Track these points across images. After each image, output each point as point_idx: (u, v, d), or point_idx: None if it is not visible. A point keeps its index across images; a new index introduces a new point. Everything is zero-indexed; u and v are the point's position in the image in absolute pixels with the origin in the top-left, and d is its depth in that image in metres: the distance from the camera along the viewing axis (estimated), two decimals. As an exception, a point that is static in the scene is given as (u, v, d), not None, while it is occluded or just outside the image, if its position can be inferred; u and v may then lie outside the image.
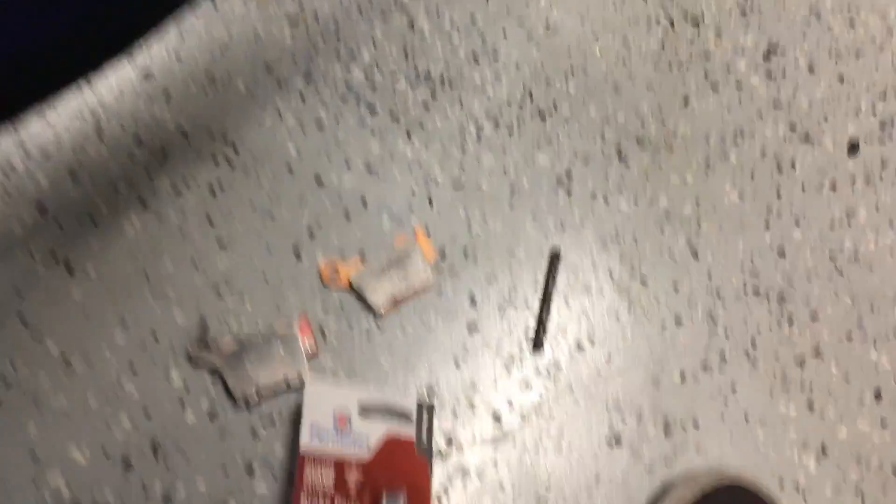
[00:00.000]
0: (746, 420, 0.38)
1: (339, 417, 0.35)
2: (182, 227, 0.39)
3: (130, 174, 0.39)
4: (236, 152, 0.40)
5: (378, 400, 0.36)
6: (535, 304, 0.39)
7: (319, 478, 0.34)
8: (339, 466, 0.34)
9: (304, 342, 0.36)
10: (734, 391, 0.39)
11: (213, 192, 0.39)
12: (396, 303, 0.38)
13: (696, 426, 0.38)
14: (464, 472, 0.36)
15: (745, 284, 0.40)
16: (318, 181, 0.40)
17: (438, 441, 0.36)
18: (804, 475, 0.38)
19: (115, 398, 0.36)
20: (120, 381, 0.36)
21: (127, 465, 0.35)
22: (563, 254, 0.40)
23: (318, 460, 0.34)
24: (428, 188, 0.41)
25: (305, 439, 0.34)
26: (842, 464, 0.38)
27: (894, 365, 0.40)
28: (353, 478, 0.34)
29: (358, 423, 0.35)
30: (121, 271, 0.37)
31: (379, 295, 0.37)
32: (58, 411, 0.35)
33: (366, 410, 0.36)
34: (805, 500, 0.37)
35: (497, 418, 0.37)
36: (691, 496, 0.34)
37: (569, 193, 0.41)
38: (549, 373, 0.38)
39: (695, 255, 0.41)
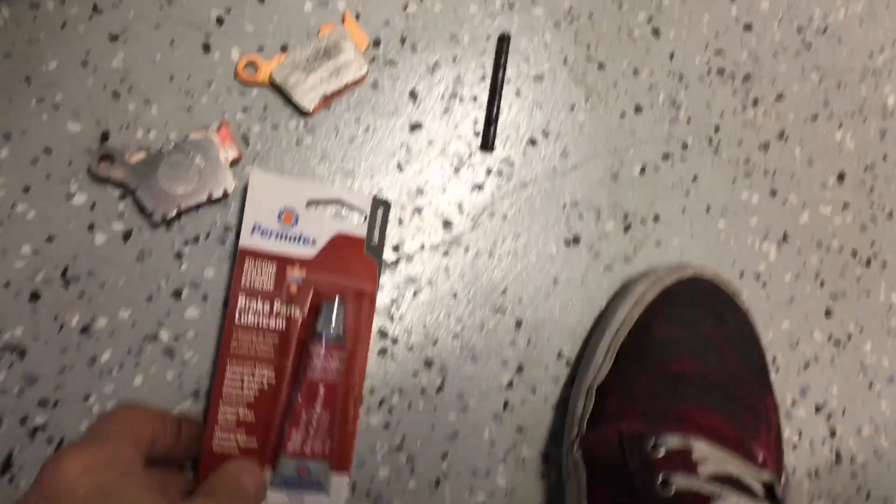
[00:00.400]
0: (708, 210, 0.52)
1: (285, 214, 0.46)
2: (62, 16, 0.46)
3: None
4: (114, -74, 0.47)
5: (327, 196, 0.47)
6: (484, 97, 0.50)
7: (259, 276, 0.45)
8: (281, 264, 0.45)
9: (225, 149, 0.45)
10: (696, 181, 0.52)
11: (93, -24, 0.46)
12: (326, 99, 0.47)
13: (655, 220, 0.51)
14: (413, 282, 0.48)
15: (708, 64, 0.53)
16: (219, -40, 0.48)
17: (386, 250, 0.48)
18: (765, 264, 0.52)
19: (10, 224, 0.45)
20: (13, 205, 0.45)
21: (35, 297, 0.45)
22: (512, 37, 0.50)
23: (259, 256, 0.45)
24: (350, -32, 0.49)
25: (246, 233, 0.45)
26: (802, 249, 0.53)
27: (858, 145, 0.54)
28: (295, 277, 0.45)
29: (305, 220, 0.46)
30: (-8, 75, 0.45)
31: (306, 91, 0.47)
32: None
33: (314, 207, 0.46)
34: (765, 288, 0.52)
35: (447, 223, 0.49)
36: (652, 293, 0.47)
37: (514, -28, 0.51)
38: (500, 172, 0.50)
39: (656, 33, 0.52)
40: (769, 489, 0.40)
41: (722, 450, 0.40)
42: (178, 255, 0.45)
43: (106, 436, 0.35)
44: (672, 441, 0.40)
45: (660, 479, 0.39)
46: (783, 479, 0.40)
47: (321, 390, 0.43)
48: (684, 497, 0.38)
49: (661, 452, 0.40)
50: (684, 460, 0.40)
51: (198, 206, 0.45)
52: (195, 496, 0.36)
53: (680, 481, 0.38)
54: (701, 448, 0.39)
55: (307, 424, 0.42)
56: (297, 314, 0.44)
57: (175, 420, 0.40)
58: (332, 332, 0.43)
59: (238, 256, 0.44)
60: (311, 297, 0.45)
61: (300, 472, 0.43)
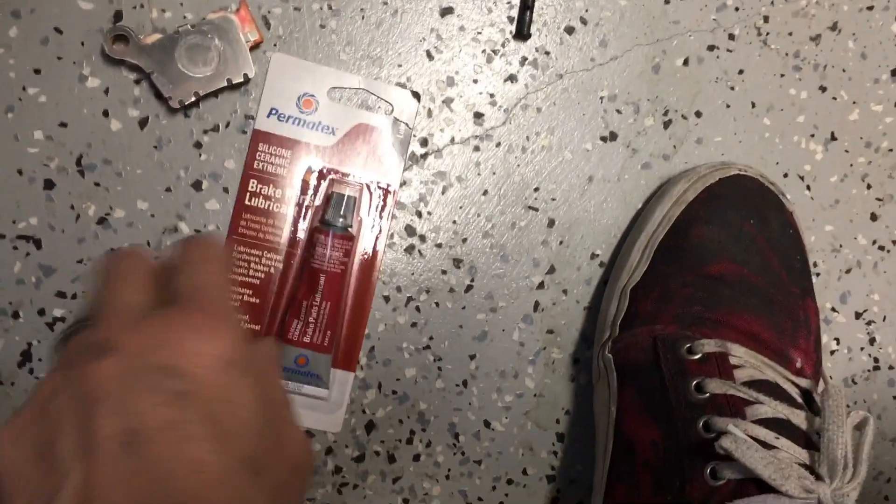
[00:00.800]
0: (753, 107, 0.49)
1: (305, 99, 0.43)
2: None
3: None
4: None
5: (351, 84, 0.44)
6: (518, -21, 0.47)
7: (273, 160, 0.43)
8: (297, 150, 0.43)
9: (245, 31, 0.43)
10: (741, 75, 0.49)
11: None
12: (352, -20, 0.44)
13: (697, 116, 0.49)
14: (442, 178, 0.46)
15: (760, -51, 0.49)
16: None
17: (413, 144, 0.46)
18: (810, 164, 0.50)
19: (22, 108, 0.43)
20: (24, 88, 0.43)
21: (49, 185, 0.43)
22: (549, -83, 0.47)
23: (274, 140, 0.43)
24: None
25: (262, 116, 0.43)
26: (851, 149, 0.50)
27: (916, 39, 0.51)
28: (310, 165, 0.44)
29: (325, 107, 0.44)
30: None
31: (330, -30, 0.44)
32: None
33: (336, 94, 0.44)
34: (809, 190, 0.50)
35: (478, 116, 0.47)
36: (692, 192, 0.45)
37: None
38: (535, 62, 0.47)
39: (704, -86, 0.49)
40: (807, 395, 0.38)
41: (759, 355, 0.39)
42: (198, 145, 0.43)
43: (221, 305, 0.30)
44: (708, 345, 0.38)
45: (694, 383, 0.38)
46: (821, 386, 0.38)
47: (322, 280, 0.41)
48: (719, 400, 0.37)
49: (696, 356, 0.39)
50: (720, 365, 0.38)
51: (217, 93, 0.43)
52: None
53: (715, 386, 0.37)
54: (738, 353, 0.38)
55: (307, 314, 0.42)
56: (310, 202, 0.43)
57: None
58: (339, 222, 0.42)
59: (252, 139, 0.42)
60: (325, 185, 0.43)
61: (298, 362, 0.42)
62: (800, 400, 0.38)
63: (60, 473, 0.24)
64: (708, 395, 0.37)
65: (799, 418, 0.37)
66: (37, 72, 0.42)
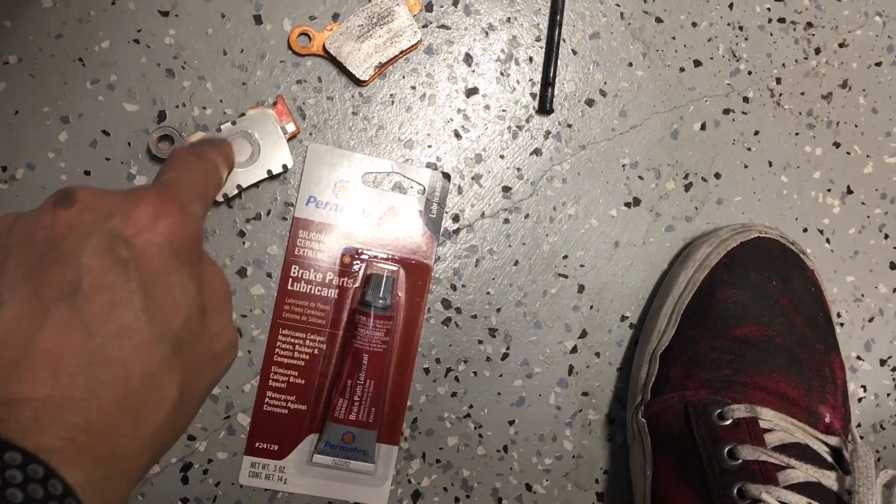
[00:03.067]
0: (770, 166, 0.52)
1: (341, 185, 0.47)
2: (108, -2, 0.47)
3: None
4: None
5: (384, 168, 0.48)
6: (540, 58, 0.50)
7: (312, 246, 0.47)
8: (335, 235, 0.47)
9: (283, 123, 0.47)
10: (757, 136, 0.52)
11: (140, -50, 0.47)
12: (381, 68, 0.48)
13: (717, 177, 0.52)
14: (474, 251, 0.50)
15: (769, 13, 0.53)
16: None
17: (445, 220, 0.49)
18: (829, 218, 0.53)
19: (73, 207, 0.46)
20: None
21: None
22: (565, -5, 0.51)
23: (312, 226, 0.47)
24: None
25: (301, 204, 0.47)
26: (867, 200, 0.53)
27: (925, 91, 0.54)
28: (348, 248, 0.47)
29: (360, 192, 0.47)
30: (47, 56, 0.46)
31: (360, 60, 0.48)
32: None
33: (370, 179, 0.48)
34: (829, 243, 0.53)
35: (506, 189, 0.50)
36: (715, 256, 0.48)
37: (565, -78, 0.51)
38: (558, 135, 0.50)
39: (714, -16, 0.52)
40: (836, 453, 0.42)
41: (788, 417, 0.42)
42: (241, 234, 0.47)
43: (185, 196, 0.32)
44: (738, 410, 0.42)
45: (726, 449, 0.41)
46: (850, 443, 0.41)
47: (365, 359, 0.45)
48: (751, 467, 0.40)
49: (727, 422, 0.42)
50: (750, 430, 0.41)
51: (258, 183, 0.47)
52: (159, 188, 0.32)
53: (746, 452, 0.40)
54: (767, 416, 0.41)
55: (352, 392, 0.45)
56: (350, 284, 0.46)
57: (228, 162, 0.39)
58: (379, 303, 0.45)
59: (292, 226, 0.46)
60: (363, 268, 0.47)
61: (345, 439, 0.45)
62: (830, 459, 0.41)
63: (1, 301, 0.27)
64: (740, 461, 0.40)
65: (830, 480, 0.40)
66: (87, 173, 0.46)
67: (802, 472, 0.39)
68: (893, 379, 0.53)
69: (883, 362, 0.53)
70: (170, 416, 0.28)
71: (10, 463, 0.23)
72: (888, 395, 0.53)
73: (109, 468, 0.26)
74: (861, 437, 0.52)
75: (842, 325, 0.52)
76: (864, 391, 0.52)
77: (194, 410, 0.31)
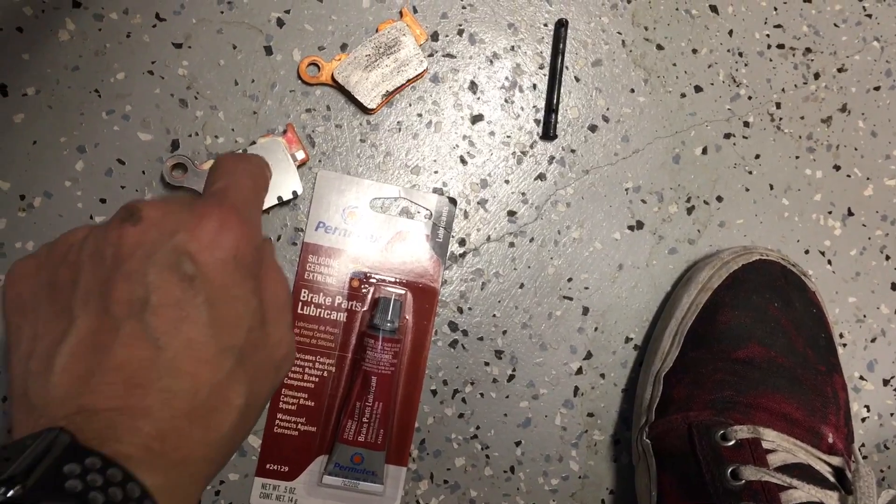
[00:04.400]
0: (771, 189, 0.54)
1: (349, 211, 0.49)
2: (126, 26, 0.48)
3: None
4: (171, -68, 0.49)
5: (391, 194, 0.50)
6: (543, 85, 0.52)
7: (322, 270, 0.48)
8: (344, 259, 0.48)
9: (292, 150, 0.48)
10: (758, 159, 0.54)
11: (154, -16, 0.49)
12: (388, 96, 0.50)
13: (719, 200, 0.53)
14: (481, 275, 0.51)
15: (768, 39, 0.54)
16: (275, -40, 0.50)
17: (452, 244, 0.51)
18: (830, 240, 0.54)
19: (89, 233, 0.48)
20: (91, 216, 0.48)
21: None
22: (569, 23, 0.52)
23: (322, 251, 0.48)
24: (404, -41, 0.51)
25: (311, 230, 0.48)
26: (868, 222, 0.55)
27: (924, 115, 0.56)
28: (357, 272, 0.49)
29: (368, 217, 0.49)
30: (64, 87, 0.48)
31: (368, 89, 0.49)
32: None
33: (378, 205, 0.50)
34: (830, 264, 0.54)
35: (511, 214, 0.51)
36: (717, 279, 0.49)
37: (567, -49, 0.53)
38: (562, 160, 0.52)
39: (714, 10, 0.54)
40: (839, 473, 0.43)
41: (791, 437, 0.43)
42: (252, 258, 0.48)
43: (243, 205, 0.33)
44: (741, 431, 0.43)
45: (730, 470, 0.42)
46: (853, 463, 0.42)
47: (374, 382, 0.46)
48: (754, 487, 0.41)
49: (730, 443, 0.43)
50: (753, 451, 0.42)
51: (269, 210, 0.48)
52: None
53: (750, 473, 0.41)
54: (770, 437, 0.42)
55: (361, 414, 0.46)
56: (358, 307, 0.48)
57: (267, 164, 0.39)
58: (387, 326, 0.47)
59: (302, 251, 0.47)
60: (371, 291, 0.48)
61: (353, 460, 0.46)
62: (832, 479, 0.42)
63: (69, 319, 0.28)
64: (744, 482, 0.41)
65: (832, 500, 0.41)
66: (102, 201, 0.47)
67: (805, 492, 0.40)
68: (896, 399, 0.54)
69: (886, 382, 0.54)
70: (237, 423, 0.30)
71: (91, 467, 0.24)
72: (891, 414, 0.54)
73: (182, 472, 0.27)
74: (865, 457, 0.53)
75: (844, 345, 0.53)
76: (868, 411, 0.53)
77: (257, 415, 0.33)
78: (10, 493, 0.23)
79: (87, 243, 0.30)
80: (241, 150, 0.46)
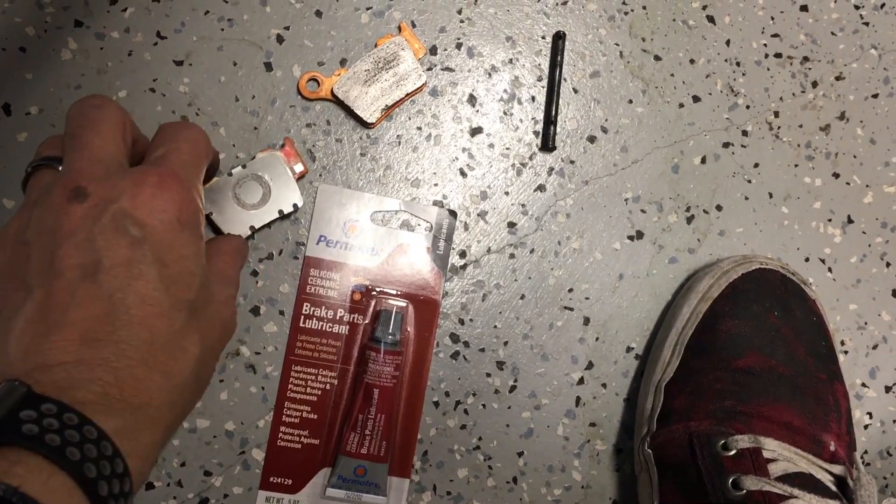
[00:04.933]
0: (770, 197, 0.54)
1: (350, 224, 0.49)
2: (128, 45, 0.49)
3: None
4: (171, -50, 0.50)
5: (391, 207, 0.50)
6: (542, 97, 0.53)
7: (323, 283, 0.49)
8: (345, 273, 0.49)
9: (290, 164, 0.49)
10: (757, 168, 0.54)
11: None
12: (387, 110, 0.50)
13: (718, 209, 0.54)
14: (481, 286, 0.52)
15: (766, 48, 0.55)
16: (274, -23, 0.51)
17: (452, 256, 0.51)
18: (830, 247, 0.55)
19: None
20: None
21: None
22: (567, 35, 0.53)
23: (323, 264, 0.49)
24: (402, -27, 0.52)
25: (312, 244, 0.49)
26: (868, 229, 0.55)
27: (922, 121, 0.56)
28: (358, 285, 0.49)
29: (369, 231, 0.49)
30: (67, 106, 0.48)
31: (367, 104, 0.50)
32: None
33: (378, 218, 0.50)
34: (831, 272, 0.55)
35: (511, 225, 0.52)
36: (717, 288, 0.50)
37: (565, -36, 0.54)
38: (562, 171, 0.53)
39: (711, 20, 0.54)
40: (841, 481, 0.43)
41: (792, 446, 0.43)
42: (255, 273, 0.49)
43: (183, 169, 0.34)
44: (741, 441, 0.43)
45: (730, 480, 0.42)
46: (854, 471, 0.43)
47: (376, 394, 0.47)
48: (755, 497, 0.42)
49: (731, 452, 0.43)
50: (754, 460, 0.43)
51: (270, 223, 0.49)
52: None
53: (751, 483, 0.42)
54: (771, 447, 0.43)
55: (363, 427, 0.47)
56: (360, 320, 0.49)
57: None
58: (388, 338, 0.47)
59: (303, 265, 0.48)
60: (373, 304, 0.49)
61: (357, 472, 0.47)
62: (834, 488, 0.43)
63: (27, 290, 0.30)
64: (745, 491, 0.42)
65: (833, 508, 0.41)
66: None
67: (806, 501, 0.41)
68: (899, 405, 0.54)
69: (888, 389, 0.54)
70: (194, 371, 0.32)
71: (47, 412, 0.25)
72: (894, 421, 0.54)
73: (141, 417, 0.29)
74: (868, 464, 0.54)
75: (846, 352, 0.54)
76: (870, 418, 0.54)
77: (212, 368, 0.35)
78: None
79: (33, 224, 0.31)
80: (240, 166, 0.47)
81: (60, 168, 0.33)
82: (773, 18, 0.54)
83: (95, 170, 0.32)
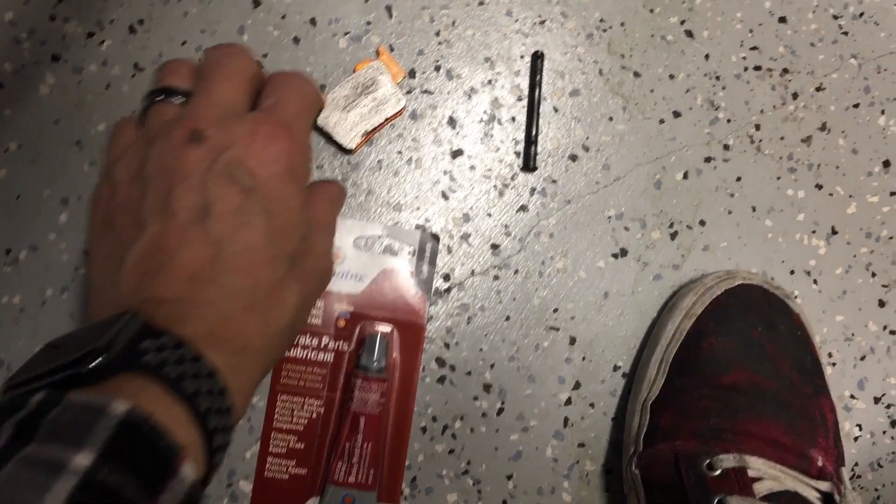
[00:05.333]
0: (754, 210, 0.55)
1: (333, 252, 0.50)
2: (106, 78, 0.49)
3: (31, 21, 0.49)
4: (146, -18, 0.50)
5: (374, 232, 0.51)
6: (522, 117, 0.53)
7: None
8: (329, 300, 0.49)
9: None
10: (739, 182, 0.54)
11: (132, 30, 0.50)
12: (367, 135, 0.51)
13: (702, 224, 0.54)
14: (466, 309, 0.52)
15: (745, 62, 0.55)
16: (255, 0, 0.51)
17: (436, 280, 0.52)
18: (815, 259, 0.55)
19: (74, 288, 0.49)
20: (76, 269, 0.49)
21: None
22: (545, 54, 0.53)
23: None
24: (379, -3, 0.52)
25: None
26: (852, 240, 0.55)
27: (904, 130, 0.56)
28: (342, 312, 0.50)
29: (352, 257, 0.50)
30: (46, 140, 0.49)
31: (347, 130, 0.50)
32: (13, 310, 0.48)
33: (361, 244, 0.50)
34: (816, 284, 0.55)
35: (495, 247, 0.52)
36: (700, 305, 0.50)
37: (542, -18, 0.54)
38: (544, 190, 0.53)
39: (689, 35, 0.55)
40: (828, 498, 0.43)
41: (777, 464, 0.43)
42: (237, 302, 0.49)
43: (295, 120, 0.36)
44: (726, 461, 0.43)
45: (716, 500, 0.43)
46: (842, 488, 0.43)
47: (362, 422, 0.47)
48: None
49: (716, 472, 0.44)
50: (739, 480, 0.43)
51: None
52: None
53: (736, 503, 0.42)
54: (756, 466, 0.43)
55: (350, 455, 0.47)
56: (345, 347, 0.49)
57: None
58: (373, 365, 0.48)
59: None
60: (358, 331, 0.49)
61: (345, 501, 0.47)
62: (820, 505, 0.43)
63: (141, 227, 0.31)
64: (731, 511, 0.42)
65: (819, 527, 0.42)
66: (86, 253, 0.48)
67: (791, 520, 0.41)
68: (888, 416, 0.55)
69: (877, 400, 0.54)
70: (291, 320, 0.33)
71: (165, 345, 0.27)
72: (884, 432, 0.54)
73: (242, 359, 0.30)
74: (859, 476, 0.54)
75: (834, 364, 0.54)
76: (860, 430, 0.54)
77: (306, 317, 0.36)
78: (94, 363, 0.25)
79: (154, 160, 0.32)
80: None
81: (179, 102, 0.34)
82: (751, 31, 0.54)
83: (215, 114, 0.33)
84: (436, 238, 0.50)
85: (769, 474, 0.43)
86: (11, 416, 0.23)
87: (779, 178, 0.54)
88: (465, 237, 0.51)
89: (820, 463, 0.45)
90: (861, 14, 0.55)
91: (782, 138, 0.54)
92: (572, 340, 0.51)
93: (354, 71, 0.50)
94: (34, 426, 0.23)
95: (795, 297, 0.53)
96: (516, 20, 0.52)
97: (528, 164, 0.51)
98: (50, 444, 0.22)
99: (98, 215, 0.34)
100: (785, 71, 0.54)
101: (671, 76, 0.53)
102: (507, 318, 0.51)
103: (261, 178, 0.32)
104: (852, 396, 0.54)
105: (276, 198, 0.33)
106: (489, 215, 0.51)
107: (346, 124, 0.49)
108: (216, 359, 0.28)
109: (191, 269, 0.30)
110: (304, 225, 0.34)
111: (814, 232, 0.54)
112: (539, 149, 0.52)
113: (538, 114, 0.52)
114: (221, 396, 0.28)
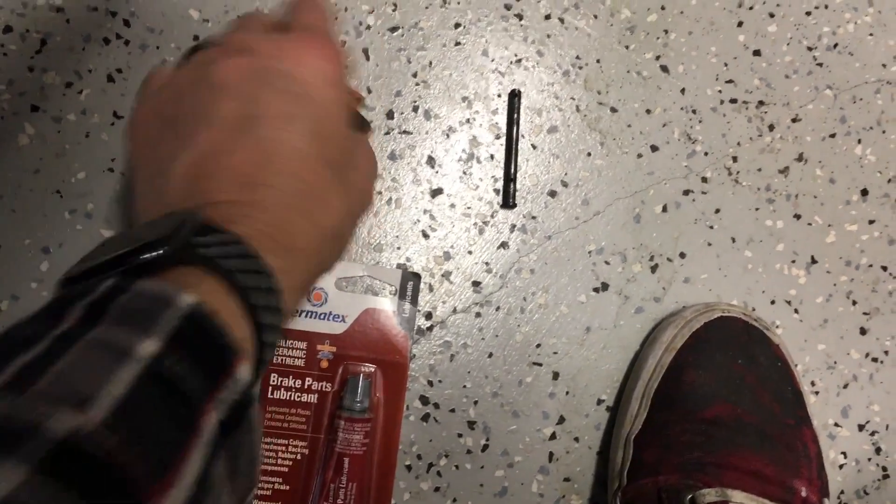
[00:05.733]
0: (733, 241, 0.55)
1: (314, 293, 0.50)
2: (85, 126, 0.50)
3: (10, 73, 0.50)
4: (127, 25, 0.51)
5: (355, 273, 0.51)
6: (500, 155, 0.54)
7: (290, 353, 0.50)
8: (312, 341, 0.50)
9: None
10: (718, 213, 0.55)
11: (111, 79, 0.50)
12: (347, 177, 0.52)
13: (682, 257, 0.55)
14: (449, 347, 0.52)
15: (721, 95, 0.56)
16: (229, 51, 0.52)
17: (418, 318, 0.52)
18: (795, 289, 0.56)
19: (57, 331, 0.50)
20: (58, 313, 0.50)
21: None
22: (522, 92, 0.54)
23: (290, 334, 0.50)
24: (361, 36, 0.53)
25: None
26: (832, 269, 0.56)
27: (879, 158, 0.57)
28: (325, 353, 0.50)
29: (334, 298, 0.50)
30: (26, 190, 0.50)
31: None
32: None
33: (343, 284, 0.51)
34: (797, 313, 0.56)
35: (476, 284, 0.53)
36: (680, 339, 0.51)
37: (520, 18, 0.55)
38: (524, 227, 0.54)
39: (665, 70, 0.56)
40: (812, 529, 0.44)
41: (760, 498, 0.44)
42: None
43: (333, 36, 0.37)
44: (708, 495, 0.44)
45: None
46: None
47: (346, 463, 0.48)
48: None
49: None
50: None
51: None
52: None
53: (720, 536, 0.43)
54: (738, 499, 0.43)
55: (335, 496, 0.48)
56: (329, 388, 0.49)
57: None
58: (356, 406, 0.48)
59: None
60: (341, 371, 0.50)
61: None
62: (803, 537, 0.44)
63: (188, 135, 0.32)
64: (713, 547, 0.43)
65: (801, 560, 0.42)
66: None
67: (773, 555, 0.42)
68: (873, 444, 0.55)
69: (861, 427, 0.55)
70: (338, 225, 0.34)
71: (223, 241, 0.27)
72: (869, 459, 0.55)
73: (291, 260, 0.31)
74: (844, 504, 0.54)
75: (817, 393, 0.55)
76: (845, 458, 0.55)
77: (352, 233, 0.37)
78: (155, 253, 0.25)
79: (202, 75, 0.33)
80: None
81: None
82: (726, 64, 0.56)
83: (256, 32, 0.35)
84: (417, 277, 0.51)
85: (751, 509, 0.43)
86: (82, 300, 0.23)
87: (757, 209, 0.55)
88: (447, 275, 0.52)
89: (804, 494, 0.46)
90: (835, 45, 0.56)
91: (760, 169, 0.55)
92: (555, 375, 0.52)
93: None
94: (103, 310, 0.23)
95: (777, 327, 0.54)
96: (493, 60, 0.53)
97: (508, 202, 0.52)
98: (118, 328, 0.23)
99: (139, 134, 0.35)
100: (761, 103, 0.55)
101: (648, 111, 0.54)
102: (490, 355, 0.52)
103: (309, 86, 0.33)
104: (836, 424, 0.54)
105: (323, 104, 0.33)
106: (470, 253, 0.52)
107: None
108: (270, 258, 0.29)
109: (240, 172, 0.30)
110: (349, 138, 0.35)
111: (793, 262, 0.55)
112: (518, 186, 0.53)
113: (517, 151, 0.52)
114: (274, 294, 0.29)
